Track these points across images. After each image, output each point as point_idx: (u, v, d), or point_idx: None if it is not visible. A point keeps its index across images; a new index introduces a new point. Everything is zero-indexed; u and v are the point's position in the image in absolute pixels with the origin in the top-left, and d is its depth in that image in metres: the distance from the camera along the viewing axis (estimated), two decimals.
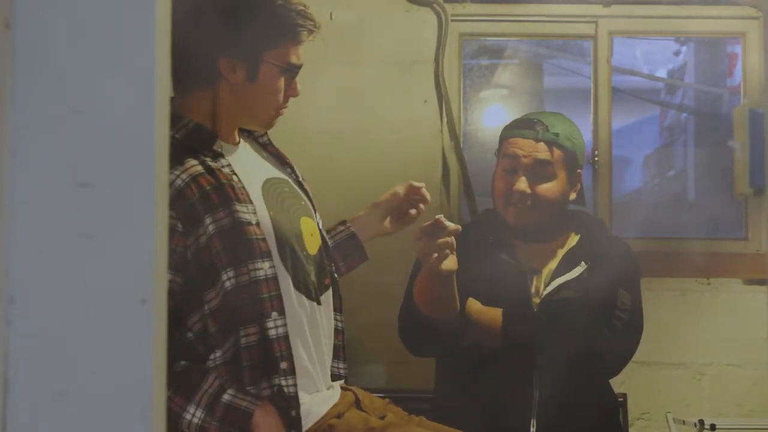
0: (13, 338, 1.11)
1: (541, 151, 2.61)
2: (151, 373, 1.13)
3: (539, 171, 2.61)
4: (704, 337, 3.45)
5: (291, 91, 2.10)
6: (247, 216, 1.95)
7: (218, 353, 1.92)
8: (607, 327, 2.51)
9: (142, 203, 1.14)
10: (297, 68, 2.08)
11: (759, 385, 3.43)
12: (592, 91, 3.65)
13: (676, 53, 6.80)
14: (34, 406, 1.11)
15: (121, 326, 1.12)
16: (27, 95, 1.13)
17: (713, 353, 3.44)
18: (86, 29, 1.15)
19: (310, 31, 2.07)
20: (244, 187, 2.00)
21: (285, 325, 1.94)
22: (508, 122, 2.77)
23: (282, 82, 2.07)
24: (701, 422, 3.04)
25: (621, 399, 3.10)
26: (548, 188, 2.62)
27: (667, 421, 3.25)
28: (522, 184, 2.60)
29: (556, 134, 2.63)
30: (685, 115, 6.81)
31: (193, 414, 1.87)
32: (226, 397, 1.88)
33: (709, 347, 3.44)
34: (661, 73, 7.03)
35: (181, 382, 1.88)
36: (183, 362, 1.91)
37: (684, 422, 3.17)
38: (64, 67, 1.14)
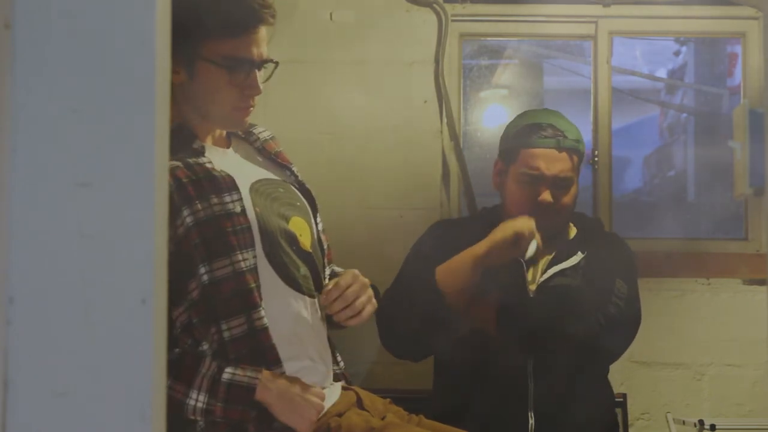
0: (13, 338, 1.11)
1: (564, 160, 2.62)
2: (151, 373, 1.13)
3: (562, 181, 2.62)
4: (704, 337, 3.44)
5: (250, 88, 2.01)
6: (230, 205, 1.94)
7: (205, 345, 1.92)
8: (603, 314, 2.51)
9: (141, 203, 1.14)
10: (242, 62, 1.99)
11: (759, 385, 3.42)
12: (592, 91, 3.64)
13: (676, 53, 6.80)
14: (34, 406, 1.11)
15: (121, 326, 1.12)
16: (27, 95, 1.13)
17: (713, 353, 3.44)
18: (86, 29, 1.15)
19: (261, 21, 1.97)
20: (229, 175, 1.98)
21: (265, 316, 1.94)
22: (511, 125, 2.74)
23: (223, 80, 1.99)
24: (701, 422, 3.04)
25: (621, 399, 3.09)
26: (570, 195, 2.64)
27: (667, 421, 3.24)
28: (548, 195, 2.61)
29: (577, 141, 2.64)
30: (684, 115, 6.81)
31: (197, 399, 1.87)
32: (225, 376, 1.88)
33: (709, 347, 3.44)
34: (661, 73, 7.04)
35: (179, 369, 1.88)
36: (177, 350, 1.91)
37: (684, 422, 3.16)
38: (64, 67, 1.14)
